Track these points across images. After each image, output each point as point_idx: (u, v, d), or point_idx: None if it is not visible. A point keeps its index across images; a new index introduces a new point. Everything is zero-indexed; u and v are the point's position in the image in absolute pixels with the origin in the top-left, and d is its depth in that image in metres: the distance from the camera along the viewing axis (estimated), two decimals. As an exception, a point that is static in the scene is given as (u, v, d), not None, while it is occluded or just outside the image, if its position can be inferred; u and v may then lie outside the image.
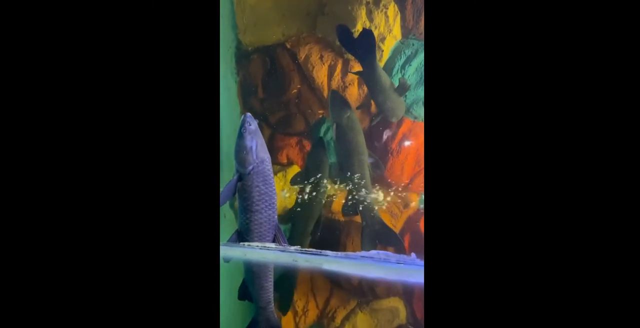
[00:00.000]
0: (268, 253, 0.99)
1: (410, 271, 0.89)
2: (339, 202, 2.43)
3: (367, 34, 1.93)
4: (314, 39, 2.24)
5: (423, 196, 2.32)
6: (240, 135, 1.33)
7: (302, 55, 2.26)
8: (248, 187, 1.31)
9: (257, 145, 1.33)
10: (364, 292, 2.28)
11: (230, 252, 1.18)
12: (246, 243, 1.15)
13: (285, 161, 2.40)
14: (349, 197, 2.01)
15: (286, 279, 2.23)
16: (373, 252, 0.84)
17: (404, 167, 2.37)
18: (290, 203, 2.24)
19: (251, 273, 1.38)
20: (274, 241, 1.30)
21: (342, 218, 2.41)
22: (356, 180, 1.98)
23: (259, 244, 1.04)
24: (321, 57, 2.25)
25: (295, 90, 2.30)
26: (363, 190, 1.87)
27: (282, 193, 2.18)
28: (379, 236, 1.97)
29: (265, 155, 1.35)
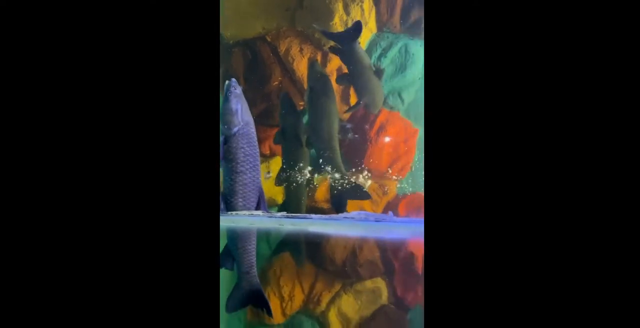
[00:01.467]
0: (255, 220, 1.04)
1: (388, 227, 0.94)
2: (321, 191, 2.49)
3: (357, 25, 1.96)
4: (294, 32, 2.30)
5: (400, 183, 2.41)
6: (227, 98, 1.38)
7: (282, 48, 2.31)
8: (233, 148, 1.36)
9: (242, 108, 1.39)
10: (348, 273, 2.35)
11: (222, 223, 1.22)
12: (233, 212, 1.19)
13: (268, 152, 2.44)
14: (334, 186, 2.04)
15: (290, 241, 2.19)
16: (354, 213, 0.90)
17: (382, 155, 2.46)
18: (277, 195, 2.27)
19: (235, 236, 1.42)
20: (257, 205, 1.34)
21: (326, 206, 2.47)
22: (326, 154, 2.01)
23: (247, 212, 1.08)
24: (301, 50, 2.32)
25: (276, 83, 2.35)
26: (336, 171, 1.90)
27: (266, 175, 2.21)
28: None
29: (250, 119, 1.42)
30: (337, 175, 1.95)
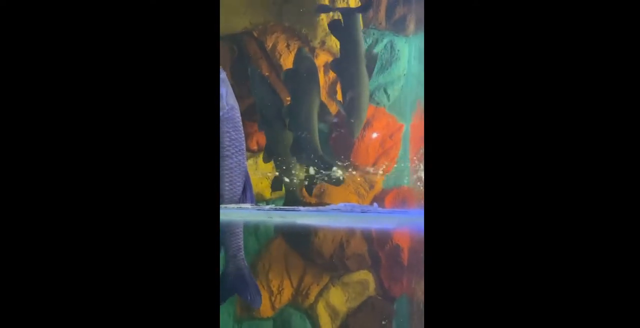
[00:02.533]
0: (244, 213, 1.04)
1: (373, 218, 0.96)
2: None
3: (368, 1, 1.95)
4: (281, 27, 2.28)
5: (386, 177, 2.44)
6: None
7: (269, 44, 2.30)
8: (219, 133, 1.37)
9: (227, 93, 1.40)
10: (336, 266, 2.37)
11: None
12: (222, 205, 1.19)
13: (255, 147, 2.43)
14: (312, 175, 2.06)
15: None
16: (341, 205, 0.91)
17: (369, 150, 2.48)
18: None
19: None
20: (243, 190, 1.34)
21: (313, 201, 2.48)
22: (303, 135, 2.02)
23: (235, 205, 1.08)
24: (288, 46, 2.30)
25: (266, 74, 2.34)
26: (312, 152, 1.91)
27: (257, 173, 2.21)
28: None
29: (235, 104, 1.43)
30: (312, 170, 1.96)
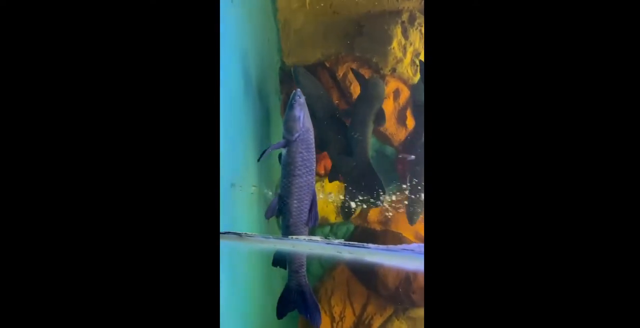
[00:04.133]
0: (314, 246, 1.03)
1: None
2: (374, 212, 2.42)
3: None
4: (352, 57, 2.32)
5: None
6: (291, 106, 1.47)
7: (340, 73, 2.34)
8: (292, 153, 1.42)
9: (304, 116, 1.47)
10: (401, 299, 2.23)
11: (279, 245, 1.22)
12: (294, 236, 1.20)
13: (322, 172, 2.45)
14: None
15: None
16: (414, 245, 0.85)
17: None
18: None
19: (287, 235, 1.42)
20: (310, 209, 1.38)
21: (378, 228, 2.39)
22: (356, 135, 2.04)
23: (306, 237, 1.08)
24: (358, 74, 2.32)
25: (336, 103, 2.38)
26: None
27: (329, 196, 2.24)
28: (364, 178, 2.03)
29: (310, 126, 1.49)
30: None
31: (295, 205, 1.41)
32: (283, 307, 1.50)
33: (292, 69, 2.09)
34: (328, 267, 2.34)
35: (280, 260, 1.45)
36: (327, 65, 2.35)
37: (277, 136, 2.38)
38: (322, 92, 2.15)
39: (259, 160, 1.49)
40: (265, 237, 1.14)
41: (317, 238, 1.02)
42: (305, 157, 1.44)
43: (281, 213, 1.45)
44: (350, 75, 2.31)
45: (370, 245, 0.93)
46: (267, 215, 1.47)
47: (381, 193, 2.00)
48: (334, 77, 2.37)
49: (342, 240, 0.99)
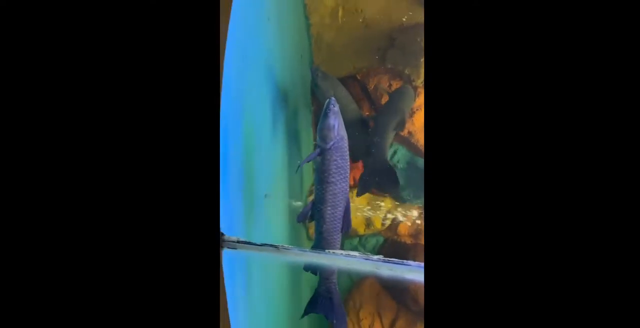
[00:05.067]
0: (353, 261, 1.01)
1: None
2: (404, 226, 2.37)
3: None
4: (383, 69, 2.32)
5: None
6: (325, 115, 1.48)
7: (371, 85, 2.34)
8: (327, 161, 1.43)
9: (339, 124, 1.47)
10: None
11: (315, 259, 1.22)
12: (331, 251, 1.18)
13: (352, 183, 2.43)
14: None
15: None
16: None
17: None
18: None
19: (320, 241, 1.43)
20: (344, 216, 1.39)
21: (408, 241, 2.33)
22: (375, 139, 2.04)
23: (343, 252, 1.07)
24: (390, 85, 2.31)
25: (367, 115, 2.38)
26: None
27: (367, 209, 2.24)
28: (379, 174, 2.03)
29: (344, 134, 1.48)
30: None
31: (329, 212, 1.41)
32: (310, 308, 1.51)
33: (310, 70, 2.10)
34: (357, 279, 2.30)
35: (311, 265, 1.45)
36: (359, 77, 2.36)
37: (308, 147, 2.40)
38: (344, 93, 2.15)
39: (296, 171, 1.50)
40: (302, 250, 1.13)
41: (355, 253, 1.01)
42: (339, 165, 1.45)
43: (314, 220, 1.46)
44: (382, 87, 2.30)
45: (411, 262, 0.91)
46: (299, 219, 1.48)
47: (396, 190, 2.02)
48: (365, 89, 2.37)
49: (381, 256, 0.97)
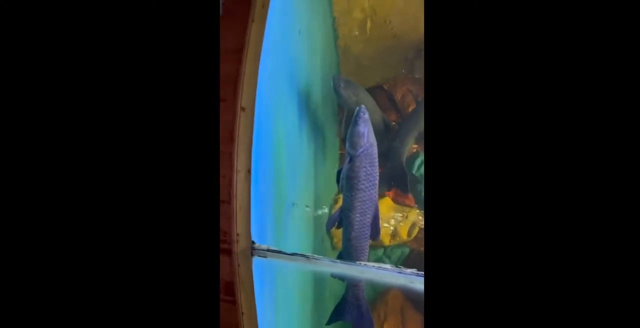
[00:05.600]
0: (385, 274, 1.00)
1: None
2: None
3: None
4: (411, 80, 2.30)
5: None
6: (355, 122, 1.48)
7: (398, 96, 2.33)
8: (356, 167, 1.43)
9: (368, 131, 1.47)
10: (461, 332, 2.06)
11: (346, 270, 1.21)
12: (362, 263, 1.17)
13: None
14: None
15: None
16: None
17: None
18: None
19: (348, 248, 1.42)
20: (373, 222, 1.38)
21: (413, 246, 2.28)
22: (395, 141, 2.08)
23: (375, 264, 1.05)
24: (416, 95, 2.29)
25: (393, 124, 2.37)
26: None
27: (391, 222, 2.22)
28: (393, 177, 2.04)
29: (374, 141, 1.49)
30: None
31: (357, 219, 1.41)
32: (337, 315, 1.48)
33: (332, 79, 2.11)
34: (381, 290, 2.26)
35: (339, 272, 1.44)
36: (386, 87, 2.35)
37: (333, 156, 2.41)
38: (369, 100, 2.16)
39: (338, 183, 1.50)
40: (333, 261, 1.13)
41: (387, 266, 0.99)
42: (368, 172, 1.44)
43: (342, 226, 1.45)
44: (409, 98, 2.29)
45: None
46: (328, 227, 1.48)
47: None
48: (392, 99, 2.36)
49: (414, 270, 0.95)
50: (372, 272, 1.03)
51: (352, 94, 2.08)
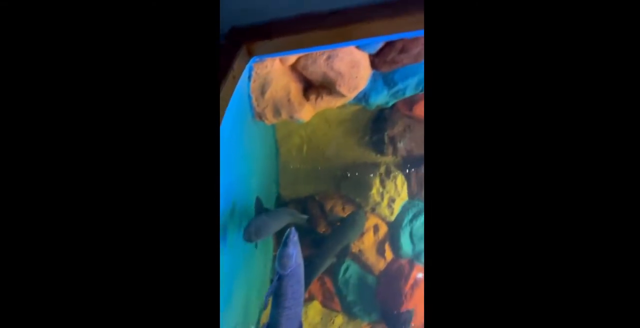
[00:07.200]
0: None
1: None
2: None
3: None
4: (338, 194, 2.64)
5: None
6: (285, 244, 1.58)
7: (328, 206, 2.62)
8: (284, 286, 1.52)
9: (297, 253, 1.60)
10: None
11: None
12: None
13: (306, 296, 2.47)
14: None
15: None
16: None
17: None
18: None
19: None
20: None
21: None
22: None
23: None
24: (343, 208, 2.60)
25: (322, 231, 2.58)
26: None
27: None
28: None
29: (301, 261, 1.61)
30: None
31: None
32: None
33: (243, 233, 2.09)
34: None
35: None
36: (317, 198, 2.64)
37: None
38: (283, 222, 2.23)
39: (265, 304, 1.56)
40: None
41: None
42: (295, 289, 1.54)
43: None
44: (338, 208, 2.58)
45: None
46: None
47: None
48: (322, 208, 2.63)
49: None
50: None
51: (265, 234, 2.05)
